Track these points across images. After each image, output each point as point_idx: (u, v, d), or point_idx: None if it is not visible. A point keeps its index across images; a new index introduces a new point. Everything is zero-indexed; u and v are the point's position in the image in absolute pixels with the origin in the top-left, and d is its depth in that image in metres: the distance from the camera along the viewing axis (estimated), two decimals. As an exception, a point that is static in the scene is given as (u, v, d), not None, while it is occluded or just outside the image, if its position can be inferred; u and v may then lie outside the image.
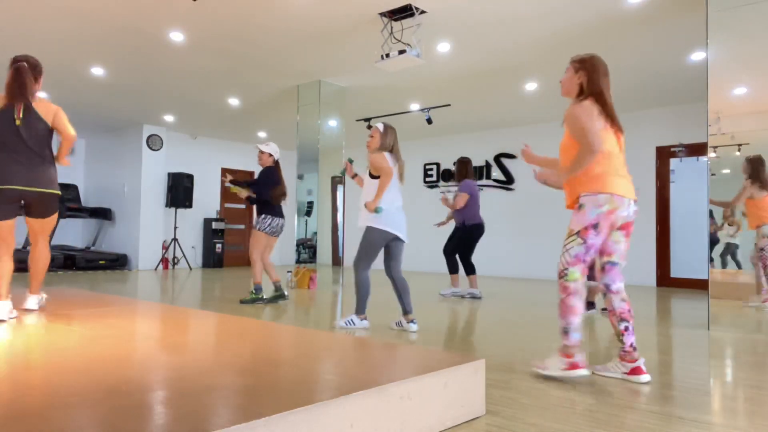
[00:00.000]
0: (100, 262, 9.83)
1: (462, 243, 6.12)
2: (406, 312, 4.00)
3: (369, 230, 3.88)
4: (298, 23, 5.30)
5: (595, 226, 2.61)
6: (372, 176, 3.94)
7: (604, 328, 4.26)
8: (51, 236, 3.49)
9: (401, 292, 3.97)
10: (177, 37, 5.64)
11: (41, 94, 7.90)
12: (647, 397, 2.39)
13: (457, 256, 6.22)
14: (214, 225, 11.05)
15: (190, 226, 11.04)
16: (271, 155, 5.55)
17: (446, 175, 10.54)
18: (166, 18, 5.20)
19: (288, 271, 7.39)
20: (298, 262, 7.66)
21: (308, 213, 9.38)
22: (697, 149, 7.79)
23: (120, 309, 3.53)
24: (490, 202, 9.95)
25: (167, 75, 7.01)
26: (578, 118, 2.63)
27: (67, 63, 6.52)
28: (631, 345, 2.71)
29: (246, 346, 2.40)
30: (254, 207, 5.56)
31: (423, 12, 4.95)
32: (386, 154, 3.93)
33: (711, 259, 5.02)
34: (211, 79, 7.15)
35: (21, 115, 3.23)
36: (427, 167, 10.81)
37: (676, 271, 8.01)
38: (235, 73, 6.91)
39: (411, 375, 1.86)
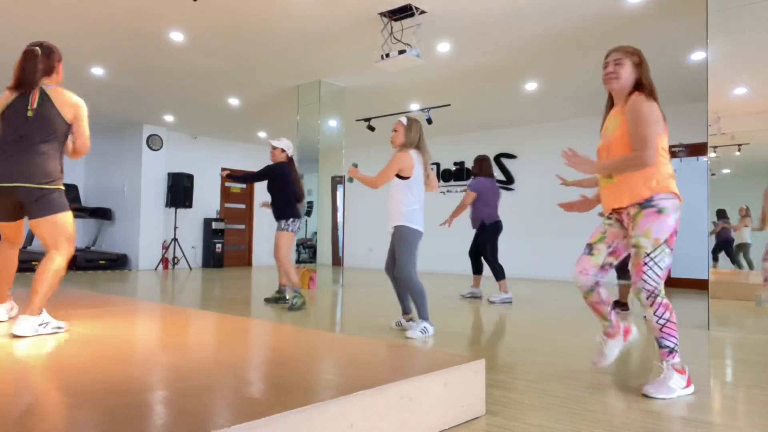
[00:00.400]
0: (100, 262, 9.83)
1: (483, 243, 5.94)
2: (405, 312, 3.99)
3: (405, 231, 3.72)
4: (298, 23, 5.30)
5: (676, 233, 2.44)
6: (399, 176, 3.77)
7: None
8: (66, 245, 2.82)
9: (404, 291, 3.93)
10: (177, 37, 5.64)
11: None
12: (647, 397, 2.38)
13: (481, 257, 6.05)
14: (214, 225, 11.04)
15: (190, 226, 11.04)
16: (283, 150, 5.27)
17: (446, 175, 10.54)
18: (166, 18, 5.20)
19: (288, 271, 7.38)
20: (298, 262, 7.67)
21: (308, 213, 9.38)
22: (697, 149, 7.79)
23: (120, 309, 3.53)
24: (490, 202, 9.95)
25: (167, 75, 7.01)
26: (647, 121, 2.39)
27: (67, 63, 6.52)
28: (617, 320, 2.66)
29: (246, 346, 2.40)
30: (271, 206, 5.33)
31: (423, 12, 4.95)
32: (412, 153, 3.77)
33: (716, 259, 5.01)
34: (211, 79, 7.15)
35: (35, 105, 2.84)
36: (427, 167, 10.79)
37: (676, 271, 8.01)
38: (235, 73, 6.91)
39: (411, 375, 1.86)
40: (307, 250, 10.29)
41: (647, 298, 2.42)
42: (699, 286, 7.73)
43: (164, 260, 10.46)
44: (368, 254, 11.77)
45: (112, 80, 7.24)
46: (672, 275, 8.00)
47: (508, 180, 9.73)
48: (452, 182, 10.48)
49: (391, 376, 1.84)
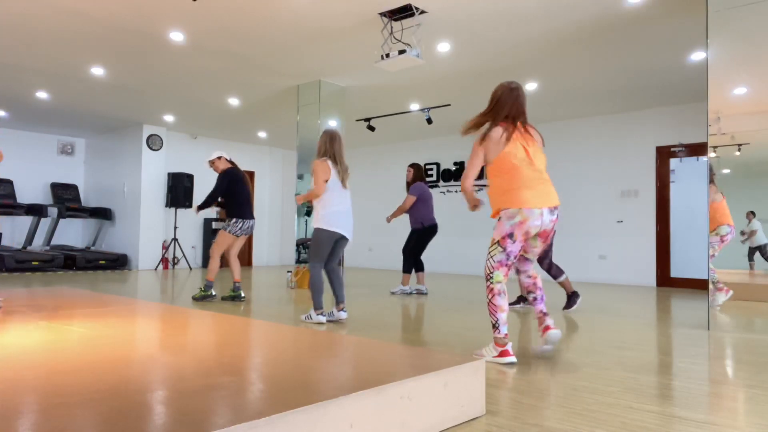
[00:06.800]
0: (100, 262, 9.83)
1: (418, 243, 6.44)
2: (338, 302, 4.39)
3: (317, 231, 4.21)
4: (297, 23, 5.30)
5: (511, 236, 2.97)
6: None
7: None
8: None
9: (336, 284, 4.37)
10: (177, 37, 5.64)
11: (42, 95, 7.90)
12: (647, 397, 2.39)
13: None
14: (214, 225, 11.04)
15: (190, 226, 11.04)
16: (220, 158, 5.62)
17: (446, 175, 10.55)
18: (166, 18, 5.20)
19: (288, 271, 7.39)
20: (298, 262, 7.66)
21: (308, 213, 9.36)
22: (697, 149, 7.79)
23: (120, 309, 3.53)
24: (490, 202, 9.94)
25: (167, 75, 7.01)
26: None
27: (67, 63, 6.52)
28: (541, 311, 3.14)
29: (246, 346, 2.40)
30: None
31: (423, 12, 4.95)
32: (329, 162, 4.22)
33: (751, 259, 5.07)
34: (211, 79, 7.15)
35: None
36: (427, 167, 10.81)
37: (676, 271, 8.01)
38: (235, 73, 6.91)
39: (411, 375, 1.86)
40: (307, 250, 10.28)
41: (485, 278, 3.06)
42: (699, 286, 7.73)
43: (164, 260, 10.46)
44: (368, 254, 11.76)
45: (112, 80, 7.24)
46: (672, 275, 8.01)
47: (508, 180, 9.73)
48: (452, 182, 10.48)
49: (391, 376, 1.84)
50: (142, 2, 4.85)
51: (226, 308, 5.10)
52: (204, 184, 11.20)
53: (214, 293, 5.53)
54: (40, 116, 9.32)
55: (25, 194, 10.43)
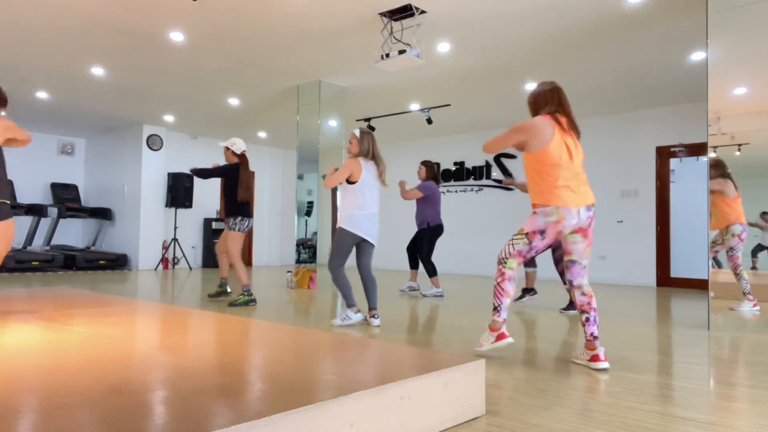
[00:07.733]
0: (100, 262, 9.83)
1: (422, 242, 6.30)
2: (370, 308, 4.29)
3: (339, 230, 4.17)
4: (298, 23, 5.30)
5: (542, 232, 2.95)
6: (348, 181, 4.17)
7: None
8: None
9: (371, 290, 4.27)
10: (177, 37, 5.64)
11: (42, 95, 7.90)
12: (647, 397, 2.39)
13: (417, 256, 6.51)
14: (214, 225, 11.04)
15: (190, 226, 11.04)
16: (228, 148, 5.39)
17: (446, 175, 10.55)
18: (166, 18, 5.20)
19: (288, 271, 7.39)
20: (298, 262, 7.66)
21: (308, 213, 9.36)
22: (697, 149, 7.79)
23: (120, 309, 3.53)
24: (490, 202, 9.95)
25: (167, 75, 7.01)
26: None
27: (67, 63, 6.52)
28: (592, 335, 2.93)
29: (246, 346, 2.40)
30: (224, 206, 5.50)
31: (423, 12, 4.95)
32: (361, 160, 4.17)
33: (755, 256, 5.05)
34: (211, 79, 7.15)
35: None
36: (427, 167, 10.81)
37: (676, 271, 8.01)
38: (235, 73, 6.91)
39: (411, 375, 1.86)
40: (307, 250, 10.29)
41: (498, 262, 3.06)
42: (699, 286, 7.73)
43: (164, 260, 10.45)
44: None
45: (112, 80, 7.24)
46: (672, 275, 8.01)
47: (508, 180, 9.74)
48: (452, 182, 10.48)
49: (391, 376, 1.84)
50: (142, 2, 4.85)
51: (223, 307, 5.10)
52: (204, 184, 11.21)
53: (254, 298, 5.35)
54: (40, 116, 9.32)
55: (25, 194, 10.43)
